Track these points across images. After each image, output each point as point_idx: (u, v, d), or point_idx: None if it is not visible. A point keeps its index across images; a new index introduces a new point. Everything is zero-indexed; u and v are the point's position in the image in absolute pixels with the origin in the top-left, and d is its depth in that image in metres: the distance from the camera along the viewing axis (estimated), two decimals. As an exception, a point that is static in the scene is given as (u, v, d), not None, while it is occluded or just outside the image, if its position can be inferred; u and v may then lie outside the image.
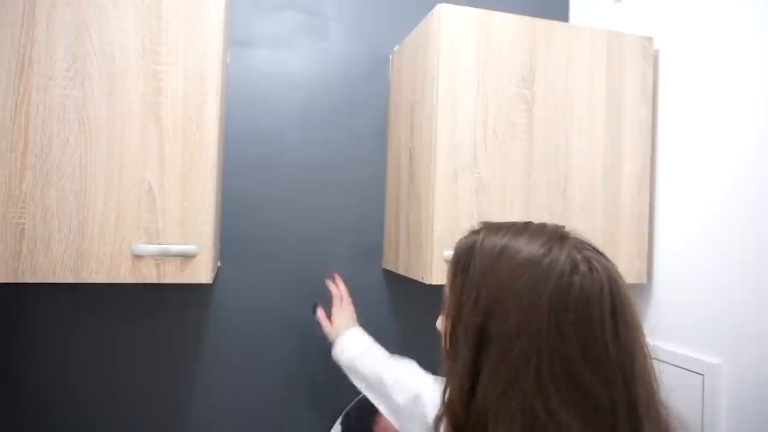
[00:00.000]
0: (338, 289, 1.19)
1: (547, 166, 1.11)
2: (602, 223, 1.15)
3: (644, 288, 1.21)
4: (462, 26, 1.06)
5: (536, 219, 1.09)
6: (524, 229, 0.61)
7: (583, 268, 0.55)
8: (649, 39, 1.19)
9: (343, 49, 1.33)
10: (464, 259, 0.61)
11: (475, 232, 0.64)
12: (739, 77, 1.04)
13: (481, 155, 1.07)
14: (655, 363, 0.58)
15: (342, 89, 1.33)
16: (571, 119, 1.13)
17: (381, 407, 0.98)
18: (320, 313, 1.17)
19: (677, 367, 1.10)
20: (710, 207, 1.08)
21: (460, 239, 0.65)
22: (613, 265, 0.58)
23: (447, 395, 0.59)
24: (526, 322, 0.53)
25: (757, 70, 1.01)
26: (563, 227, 0.61)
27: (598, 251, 0.59)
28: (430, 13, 1.09)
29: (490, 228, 0.63)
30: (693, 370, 1.06)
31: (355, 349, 1.06)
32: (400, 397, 0.91)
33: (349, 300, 1.18)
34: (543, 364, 0.52)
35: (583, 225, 1.13)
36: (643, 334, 0.57)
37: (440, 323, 0.67)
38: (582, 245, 0.58)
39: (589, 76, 1.14)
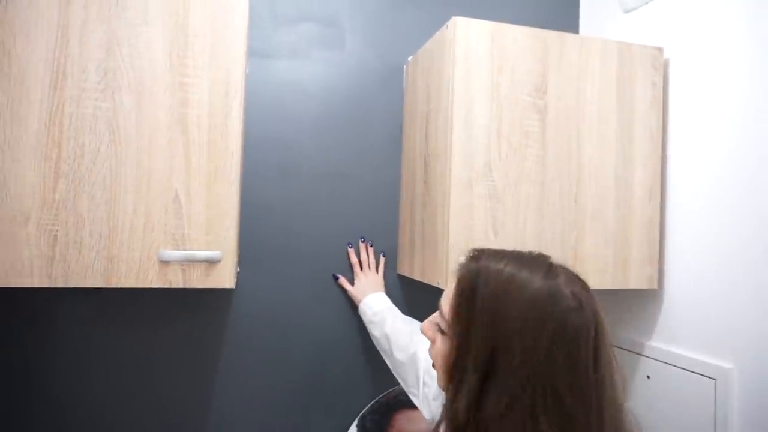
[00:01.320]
0: (356, 259, 1.33)
1: (560, 173, 1.14)
2: (614, 229, 1.17)
3: (656, 293, 1.23)
4: (476, 38, 1.09)
5: (549, 226, 1.12)
6: (520, 260, 0.67)
7: (575, 305, 0.63)
8: (659, 49, 1.21)
9: (359, 59, 1.37)
10: (468, 289, 0.66)
11: (473, 259, 0.69)
12: (748, 85, 1.06)
13: (495, 163, 1.10)
14: (621, 376, 0.66)
15: (358, 98, 1.36)
16: (582, 128, 1.16)
17: (387, 362, 1.20)
18: (341, 280, 1.33)
19: (689, 371, 1.11)
20: (721, 212, 1.10)
21: (460, 266, 0.70)
22: (594, 297, 0.65)
23: (452, 407, 0.64)
24: (528, 357, 0.60)
25: (766, 77, 1.03)
26: (550, 258, 0.68)
27: (583, 284, 0.66)
28: (445, 26, 1.12)
29: (489, 257, 0.68)
30: (705, 374, 1.08)
31: (369, 314, 1.24)
32: (401, 355, 1.12)
33: (373, 266, 1.33)
34: (537, 394, 0.59)
35: (594, 231, 1.15)
36: (614, 356, 0.65)
37: (429, 330, 0.73)
38: (572, 279, 0.66)
39: (600, 86, 1.17)
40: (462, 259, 0.71)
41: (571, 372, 0.60)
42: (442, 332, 0.70)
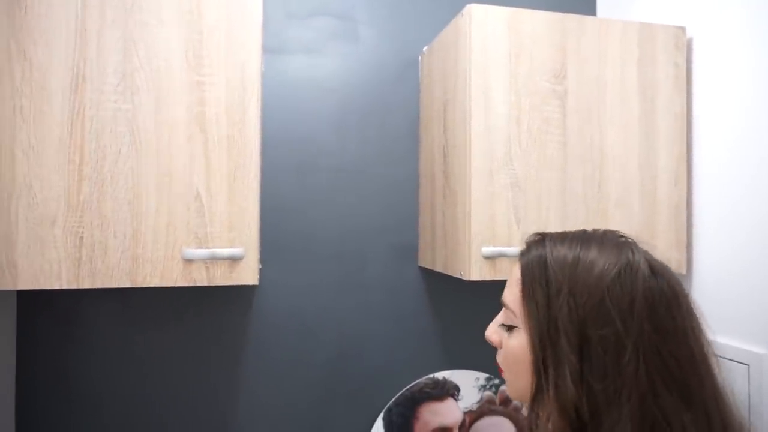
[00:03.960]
0: None
1: (582, 160, 1.12)
2: (639, 215, 1.14)
3: (684, 278, 1.20)
4: (492, 25, 1.08)
5: (572, 213, 1.10)
6: (588, 237, 0.64)
7: (659, 270, 0.60)
8: (681, 28, 1.18)
9: (374, 52, 1.36)
10: (540, 274, 0.62)
11: (536, 245, 0.65)
12: (777, 63, 1.03)
13: (515, 152, 1.08)
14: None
15: (374, 91, 1.36)
16: (604, 113, 1.13)
17: None
18: None
19: (721, 358, 1.08)
20: (750, 194, 1.07)
21: (523, 255, 0.66)
22: (670, 269, 0.63)
23: (559, 389, 0.59)
24: (626, 325, 0.57)
25: (796, 55, 0.99)
26: (619, 232, 0.65)
27: (658, 260, 0.63)
28: (459, 14, 1.11)
29: (553, 239, 0.65)
30: (738, 360, 1.06)
31: None
32: None
33: None
34: (651, 364, 0.56)
35: (620, 217, 1.13)
36: (705, 330, 0.62)
37: (495, 333, 0.69)
38: (643, 249, 0.63)
39: (621, 69, 1.14)
40: (524, 246, 0.67)
41: (675, 335, 0.57)
42: (511, 329, 0.66)
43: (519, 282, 0.64)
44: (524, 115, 1.09)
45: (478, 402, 1.35)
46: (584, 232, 0.65)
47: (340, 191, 1.33)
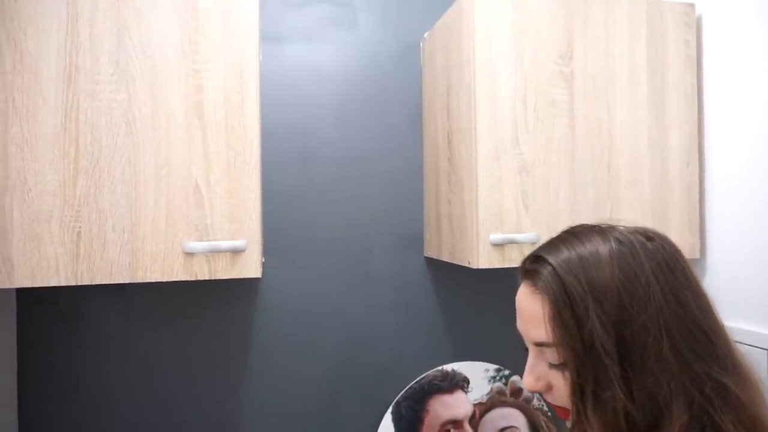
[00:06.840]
0: None
1: (591, 142, 1.09)
2: (651, 198, 1.11)
3: (698, 262, 1.17)
4: (496, 6, 1.04)
5: (582, 197, 1.07)
6: (567, 236, 0.62)
7: (650, 235, 0.60)
8: (691, 5, 1.15)
9: (373, 39, 1.33)
10: (558, 288, 0.58)
11: (533, 266, 0.62)
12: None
13: (522, 135, 1.05)
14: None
15: (374, 79, 1.33)
16: (612, 93, 1.10)
17: None
18: None
19: (739, 343, 1.05)
20: (764, 174, 1.04)
21: (532, 277, 0.62)
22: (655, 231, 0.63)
23: (602, 420, 0.55)
24: (649, 308, 0.55)
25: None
26: (588, 224, 0.65)
27: (638, 227, 0.63)
28: (462, -5, 1.08)
29: (547, 251, 0.62)
30: (756, 345, 1.03)
31: None
32: None
33: None
34: (676, 340, 0.55)
35: (630, 200, 1.10)
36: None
37: (539, 381, 0.63)
38: (614, 225, 0.62)
39: (630, 47, 1.11)
40: (525, 271, 0.64)
41: (689, 290, 0.57)
42: (557, 366, 0.60)
43: (547, 311, 0.59)
44: (530, 97, 1.06)
45: (488, 394, 1.33)
46: (560, 235, 0.64)
47: (343, 181, 1.30)
